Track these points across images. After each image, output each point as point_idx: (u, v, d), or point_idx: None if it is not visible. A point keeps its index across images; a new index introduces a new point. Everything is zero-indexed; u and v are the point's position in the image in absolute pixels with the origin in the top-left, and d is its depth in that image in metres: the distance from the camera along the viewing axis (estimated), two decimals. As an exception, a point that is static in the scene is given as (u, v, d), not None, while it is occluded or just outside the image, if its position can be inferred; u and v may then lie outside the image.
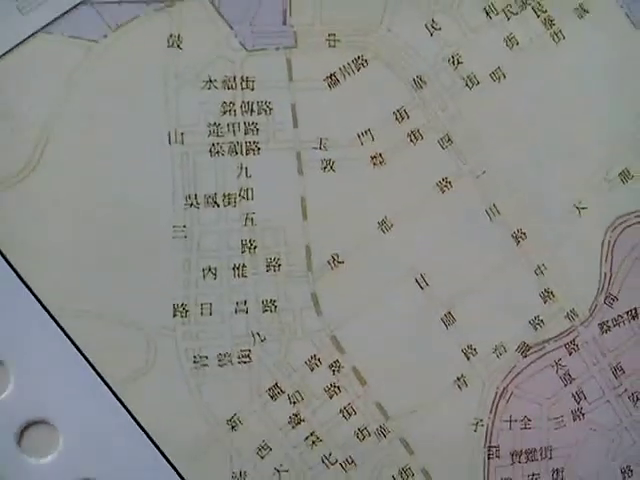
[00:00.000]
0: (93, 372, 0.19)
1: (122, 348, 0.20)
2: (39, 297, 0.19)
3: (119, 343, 0.20)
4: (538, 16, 0.23)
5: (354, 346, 0.21)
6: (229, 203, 0.20)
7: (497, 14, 0.22)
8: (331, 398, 0.21)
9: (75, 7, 0.19)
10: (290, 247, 0.21)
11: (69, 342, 0.19)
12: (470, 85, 0.22)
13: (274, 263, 0.21)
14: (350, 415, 0.21)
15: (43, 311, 0.19)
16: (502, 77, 0.22)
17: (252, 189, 0.20)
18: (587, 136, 0.23)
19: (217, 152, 0.20)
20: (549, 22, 0.23)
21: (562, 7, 0.23)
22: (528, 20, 0.22)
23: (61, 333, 0.19)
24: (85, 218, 0.19)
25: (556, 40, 0.23)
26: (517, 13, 0.22)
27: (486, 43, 0.22)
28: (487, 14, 0.22)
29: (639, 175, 0.23)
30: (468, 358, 0.22)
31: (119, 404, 0.20)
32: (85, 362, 0.19)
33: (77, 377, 0.19)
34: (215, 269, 0.20)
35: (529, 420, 0.23)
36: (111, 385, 0.19)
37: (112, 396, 0.20)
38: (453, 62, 0.22)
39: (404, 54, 0.21)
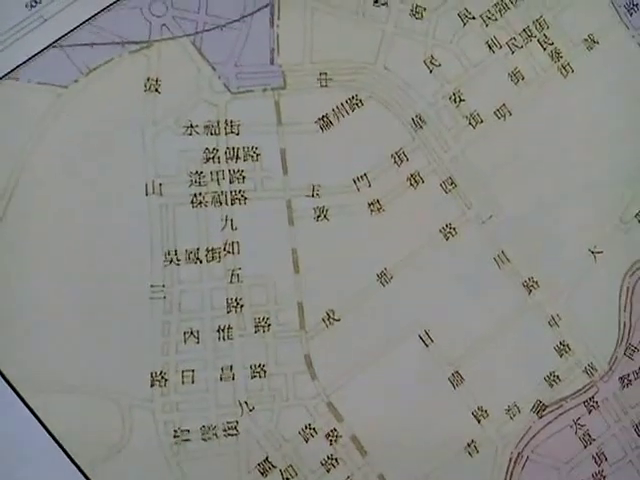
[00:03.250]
0: (60, 451, 0.17)
1: (94, 423, 0.18)
2: (2, 371, 0.17)
3: (90, 417, 0.18)
4: (544, 49, 0.21)
5: (353, 413, 0.19)
6: (213, 258, 0.19)
7: (500, 48, 0.21)
8: (329, 472, 0.19)
9: (44, 50, 0.18)
10: (281, 304, 0.19)
11: (34, 418, 0.17)
12: (473, 124, 0.20)
13: (263, 323, 0.19)
14: (350, 490, 0.19)
15: (6, 386, 0.17)
16: (508, 114, 0.21)
17: (238, 242, 0.19)
18: (601, 175, 0.21)
19: (199, 203, 0.19)
20: (556, 55, 0.21)
21: (570, 39, 0.21)
22: (534, 53, 0.21)
23: (25, 409, 0.17)
24: (53, 277, 0.18)
25: (564, 73, 0.21)
26: (522, 46, 0.21)
27: (489, 79, 0.21)
28: (490, 48, 0.21)
29: (657, 215, 0.22)
30: (479, 421, 0.20)
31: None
32: (52, 440, 0.17)
33: (44, 457, 0.17)
34: (197, 332, 0.18)
35: (547, 487, 0.21)
36: (81, 466, 0.17)
37: (83, 478, 0.18)
38: (455, 100, 0.20)
39: (402, 92, 0.20)
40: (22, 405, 0.17)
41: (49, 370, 0.18)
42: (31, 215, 0.18)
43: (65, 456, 0.17)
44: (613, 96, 0.22)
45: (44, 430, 0.17)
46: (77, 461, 0.18)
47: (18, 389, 0.17)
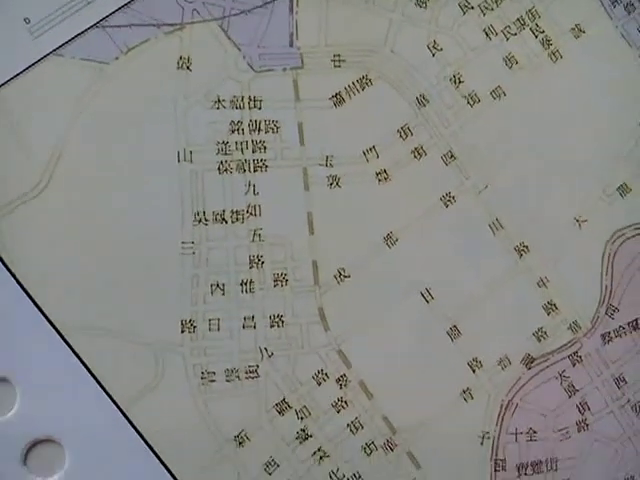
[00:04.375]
0: (100, 389, 0.20)
1: (129, 364, 0.20)
2: (46, 314, 0.19)
3: (126, 359, 0.20)
4: (536, 36, 0.23)
5: (361, 360, 0.21)
6: (237, 220, 0.21)
7: (496, 35, 0.23)
8: (338, 412, 0.21)
9: (87, 30, 0.20)
10: (297, 262, 0.21)
11: (76, 359, 0.19)
12: (471, 103, 0.23)
13: (281, 278, 0.21)
14: (357, 429, 0.21)
15: (50, 328, 0.19)
16: (502, 95, 0.23)
17: (260, 206, 0.21)
18: (586, 152, 0.24)
19: (225, 170, 0.21)
20: (547, 42, 0.23)
21: (559, 28, 0.24)
22: (526, 40, 0.23)
23: (68, 350, 0.19)
24: (95, 235, 0.20)
25: (554, 59, 0.23)
26: (516, 34, 0.23)
27: (486, 62, 0.23)
28: (487, 35, 0.23)
29: (637, 189, 0.24)
30: (474, 371, 0.22)
31: (126, 421, 0.20)
32: (92, 379, 0.19)
33: (84, 394, 0.19)
34: (223, 285, 0.20)
35: (534, 432, 0.23)
36: (118, 402, 0.19)
37: (119, 413, 0.20)
38: (454, 81, 0.22)
39: (407, 74, 0.22)
40: (64, 344, 0.19)
41: (89, 315, 0.20)
42: (73, 182, 0.20)
43: (103, 391, 0.19)
44: (597, 81, 0.24)
45: (84, 368, 0.19)
46: (114, 398, 0.20)
47: (61, 330, 0.19)
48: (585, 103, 0.24)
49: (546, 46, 0.23)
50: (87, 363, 0.19)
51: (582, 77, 0.24)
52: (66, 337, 0.19)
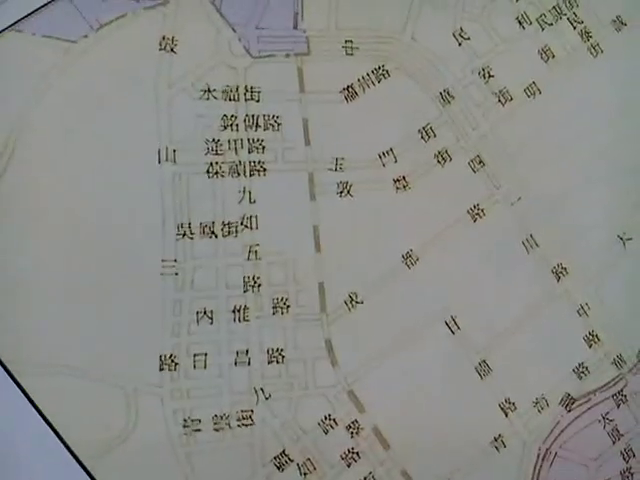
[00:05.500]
0: (58, 441, 0.16)
1: (95, 410, 0.16)
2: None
3: (91, 404, 0.16)
4: (574, 28, 0.20)
5: (375, 403, 0.18)
6: (229, 233, 0.17)
7: (530, 24, 0.20)
8: (349, 467, 0.18)
9: (51, 2, 0.16)
10: (301, 285, 0.18)
11: (31, 407, 0.16)
12: (503, 101, 0.20)
13: (282, 304, 0.17)
14: (371, 487, 0.18)
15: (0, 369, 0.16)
16: (537, 92, 0.20)
17: (256, 216, 0.17)
18: (630, 159, 0.21)
19: (216, 173, 0.17)
20: (586, 34, 0.21)
21: (599, 19, 0.21)
22: (564, 32, 0.20)
23: (18, 392, 0.16)
24: (53, 245, 0.16)
25: (594, 54, 0.21)
26: (552, 24, 0.20)
27: (519, 55, 0.20)
28: (520, 24, 0.20)
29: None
30: (506, 414, 0.19)
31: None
32: (47, 428, 0.16)
33: (37, 448, 0.16)
34: (211, 312, 0.17)
35: (575, 485, 0.20)
36: (81, 459, 0.16)
37: (83, 473, 0.16)
38: (484, 75, 0.19)
39: (430, 65, 0.19)
40: (15, 388, 0.16)
41: (45, 350, 0.16)
42: (30, 181, 0.16)
43: (63, 446, 0.16)
44: (642, 78, 0.21)
45: (40, 417, 0.16)
46: (76, 453, 0.16)
47: (11, 370, 0.16)
48: (630, 103, 0.21)
49: (585, 39, 0.21)
50: (42, 409, 0.16)
51: (625, 74, 0.21)
52: (16, 377, 0.16)
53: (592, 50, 0.21)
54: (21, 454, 0.16)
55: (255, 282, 0.17)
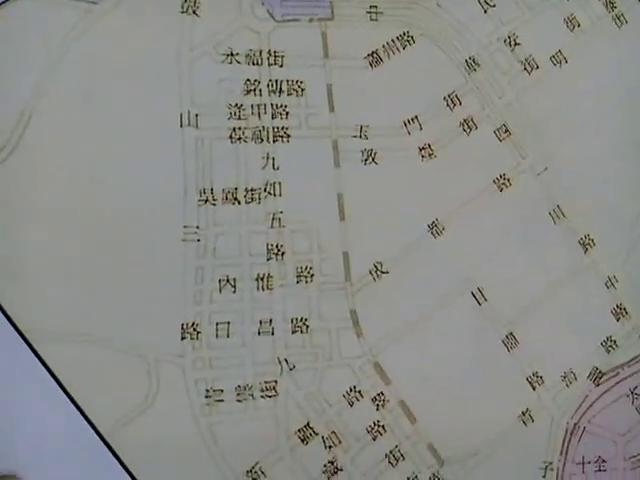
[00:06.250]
0: (75, 410, 0.15)
1: (116, 380, 0.16)
2: (9, 315, 0.15)
3: (112, 373, 0.16)
4: (599, -4, 0.20)
5: (401, 375, 0.18)
6: (252, 200, 0.17)
7: (556, -9, 0.20)
8: (374, 440, 0.17)
9: (70, -38, 0.16)
10: (325, 253, 0.17)
11: (49, 375, 0.15)
12: (529, 69, 0.19)
13: (306, 273, 0.17)
14: (398, 461, 0.17)
15: (18, 337, 0.15)
16: (564, 61, 0.20)
17: (280, 183, 0.17)
18: (657, 130, 0.20)
19: (239, 138, 0.17)
20: (610, 4, 0.20)
21: (624, -12, 0.20)
22: (589, 1, 0.20)
23: (35, 360, 0.15)
24: (73, 215, 0.16)
25: (618, 24, 0.20)
26: (577, -8, 0.20)
27: (545, 23, 0.19)
28: (545, -9, 0.20)
29: None
30: (534, 388, 0.19)
31: (109, 453, 0.15)
32: (64, 396, 0.15)
33: (54, 417, 0.15)
34: (234, 280, 0.17)
35: (603, 461, 0.19)
36: (99, 428, 0.15)
37: (100, 442, 0.15)
38: (509, 43, 0.19)
39: (455, 32, 0.19)
40: (33, 357, 0.15)
41: (65, 319, 0.16)
42: (47, 149, 0.16)
43: (82, 417, 0.15)
44: (668, 50, 0.21)
45: (58, 387, 0.15)
46: (95, 423, 0.15)
47: (29, 339, 0.15)
48: (657, 73, 0.20)
49: (610, 9, 0.20)
50: (60, 378, 0.15)
51: (651, 45, 0.20)
52: (34, 345, 0.15)
53: (617, 20, 0.20)
54: (40, 424, 0.15)
55: (279, 250, 0.17)
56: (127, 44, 0.16)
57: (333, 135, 0.18)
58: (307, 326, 0.17)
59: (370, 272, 0.18)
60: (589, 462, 0.19)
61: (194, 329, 0.16)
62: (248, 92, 0.17)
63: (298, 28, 0.17)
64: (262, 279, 0.17)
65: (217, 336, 0.16)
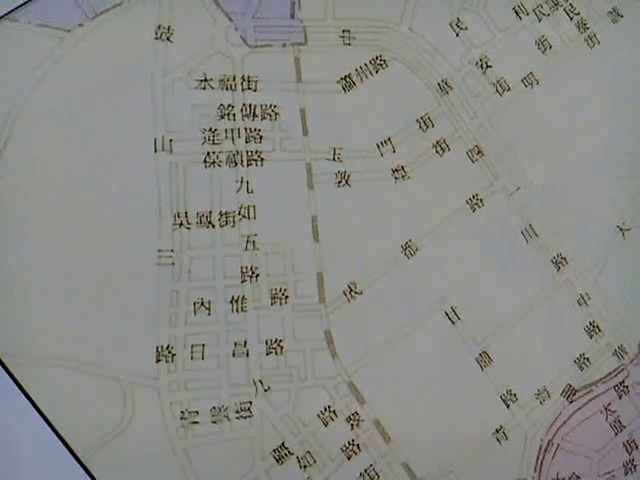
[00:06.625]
0: (52, 434, 0.15)
1: (91, 403, 0.16)
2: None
3: (87, 397, 0.16)
4: (571, 18, 0.21)
5: (376, 394, 0.18)
6: (226, 223, 0.17)
7: (527, 14, 0.20)
8: (349, 459, 0.17)
9: (45, -9, 0.16)
10: (299, 275, 0.17)
11: (24, 397, 0.15)
12: (500, 91, 0.20)
13: (280, 294, 0.17)
14: (372, 480, 0.18)
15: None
16: (535, 83, 0.20)
17: (254, 206, 0.17)
18: (629, 149, 0.21)
19: (213, 162, 0.17)
20: (583, 25, 0.21)
21: (595, 10, 0.21)
22: (560, 22, 0.20)
23: (12, 385, 0.15)
24: (51, 238, 0.16)
25: (590, 45, 0.21)
26: (548, 14, 0.20)
27: (517, 45, 0.20)
28: (517, 14, 0.20)
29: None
30: (508, 406, 0.19)
31: (86, 476, 0.16)
32: (42, 421, 0.15)
33: (32, 441, 0.15)
34: (209, 302, 0.17)
35: (578, 477, 0.19)
36: (76, 451, 0.15)
37: (77, 466, 0.15)
38: (481, 65, 0.19)
39: (427, 55, 0.19)
40: (10, 381, 0.15)
41: (41, 342, 0.16)
42: (25, 171, 0.16)
43: (58, 440, 0.15)
44: (638, 70, 0.21)
45: (35, 410, 0.15)
46: (72, 446, 0.16)
47: (6, 363, 0.15)
48: (627, 94, 0.21)
49: (582, 30, 0.21)
50: (36, 401, 0.15)
51: (622, 65, 0.21)
52: (10, 369, 0.15)
53: (589, 41, 0.21)
54: (16, 447, 0.16)
55: (253, 272, 0.17)
56: (102, 70, 0.16)
57: (307, 158, 0.18)
58: (282, 347, 0.17)
59: (344, 293, 0.18)
60: (563, 479, 0.19)
61: (169, 351, 0.16)
62: (222, 117, 0.17)
63: (271, 53, 0.18)
64: (237, 301, 0.17)
65: (192, 358, 0.17)
